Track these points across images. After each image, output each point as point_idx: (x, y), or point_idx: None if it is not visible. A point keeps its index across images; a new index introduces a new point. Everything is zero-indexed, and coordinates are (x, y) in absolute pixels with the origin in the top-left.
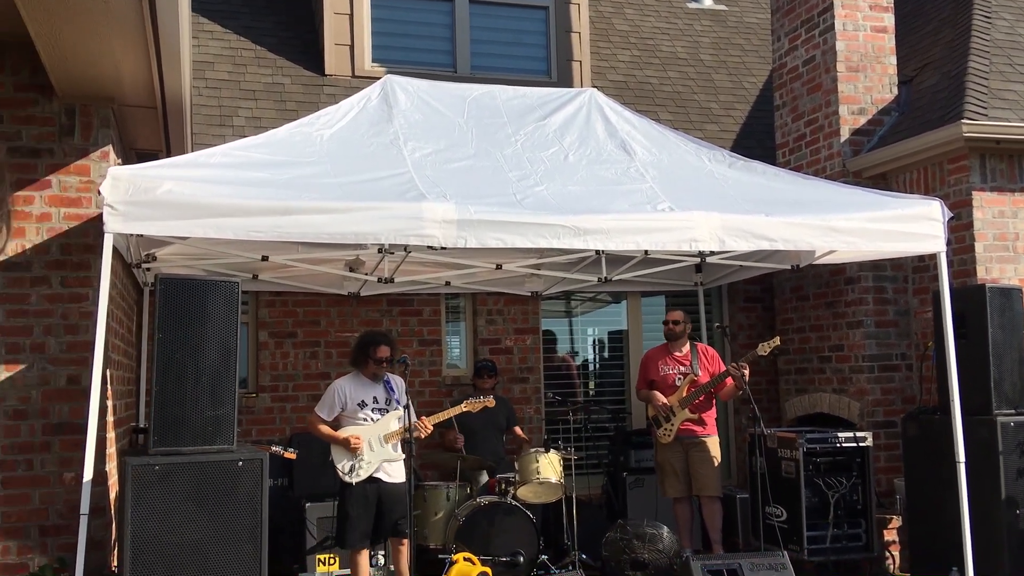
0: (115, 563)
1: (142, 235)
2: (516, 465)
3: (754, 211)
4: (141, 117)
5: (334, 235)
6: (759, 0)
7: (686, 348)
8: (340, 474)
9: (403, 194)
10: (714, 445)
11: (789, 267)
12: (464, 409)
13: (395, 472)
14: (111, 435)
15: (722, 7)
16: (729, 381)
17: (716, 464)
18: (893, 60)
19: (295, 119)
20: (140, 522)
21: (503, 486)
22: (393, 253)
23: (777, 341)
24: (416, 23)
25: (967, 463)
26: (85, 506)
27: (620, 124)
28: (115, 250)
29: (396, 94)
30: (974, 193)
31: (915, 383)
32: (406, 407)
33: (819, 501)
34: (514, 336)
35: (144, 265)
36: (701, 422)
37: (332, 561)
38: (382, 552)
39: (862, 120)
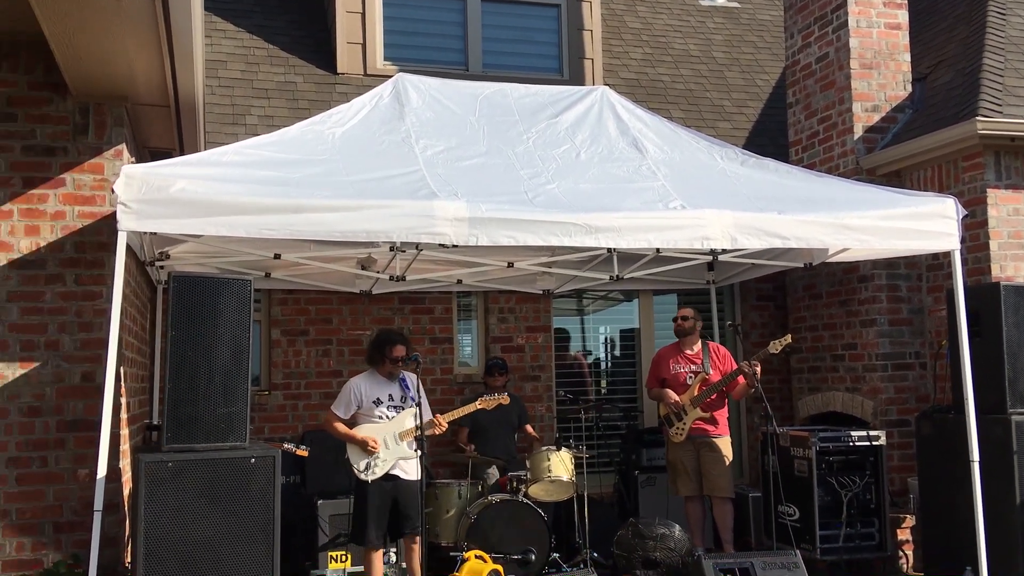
0: (128, 559)
1: (155, 233)
2: (527, 463)
3: (766, 209)
4: (154, 116)
5: (346, 233)
6: None
7: (697, 347)
8: (356, 472)
9: (415, 192)
10: (726, 445)
11: (802, 265)
12: (479, 406)
13: (411, 469)
14: (125, 432)
15: (735, 4)
16: (741, 379)
17: (727, 464)
18: (907, 57)
19: (307, 117)
20: (153, 518)
21: (514, 484)
22: (405, 251)
23: (789, 339)
24: (428, 21)
25: (981, 462)
26: (99, 502)
27: (632, 122)
28: (129, 248)
29: (408, 92)
30: (989, 191)
31: (929, 382)
32: (418, 404)
33: (832, 500)
34: (526, 334)
35: (157, 263)
36: (713, 421)
37: (344, 558)
38: (394, 550)
39: (876, 117)
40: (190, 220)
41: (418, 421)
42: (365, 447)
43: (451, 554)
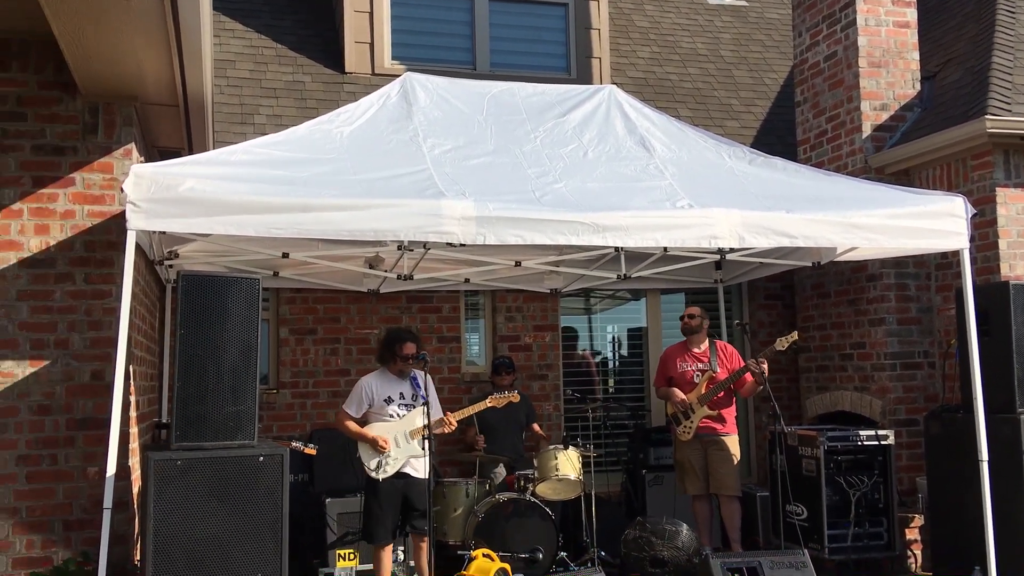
0: (137, 557)
1: (164, 232)
2: (535, 462)
3: (774, 208)
4: (163, 115)
5: (353, 232)
6: None
7: (705, 345)
8: (367, 471)
9: (422, 191)
10: (733, 443)
11: (810, 264)
12: (489, 404)
13: (421, 468)
14: (134, 430)
15: (743, 3)
16: (748, 377)
17: (735, 463)
18: (916, 55)
19: (315, 117)
20: (162, 516)
21: (522, 483)
22: (412, 250)
23: (795, 335)
24: (436, 20)
25: (990, 461)
26: (108, 500)
27: (639, 121)
28: (138, 247)
29: (415, 91)
30: (998, 189)
31: (938, 381)
32: (425, 403)
33: (840, 500)
34: (533, 333)
35: (166, 262)
36: (721, 419)
37: (352, 556)
38: (401, 548)
39: (884, 116)
40: (199, 219)
41: (424, 421)
42: (376, 446)
43: (459, 552)
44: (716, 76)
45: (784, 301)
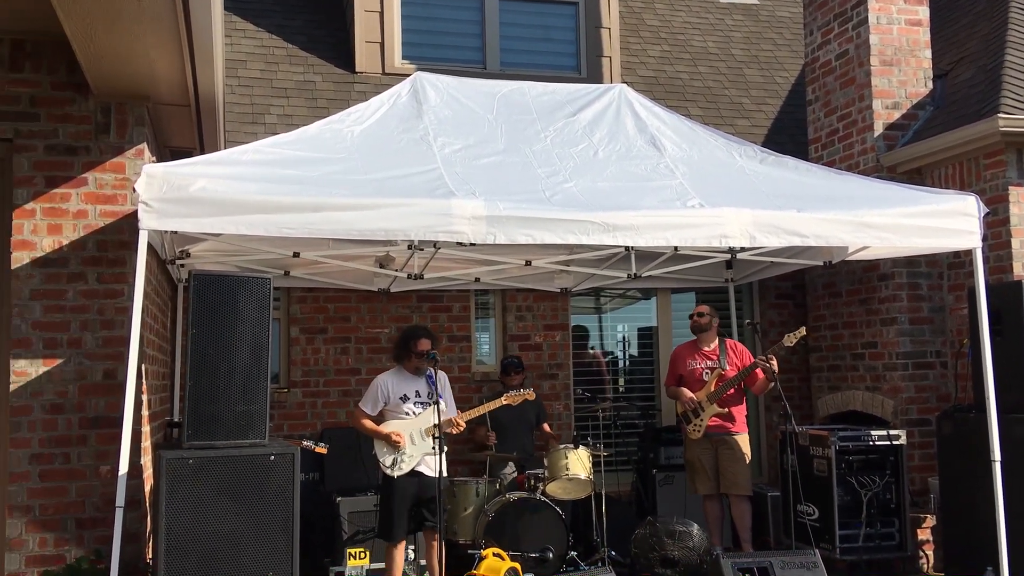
0: (150, 555)
1: (176, 232)
2: (545, 461)
3: (785, 207)
4: (175, 115)
5: (364, 231)
6: None
7: (714, 344)
8: (383, 468)
9: (432, 190)
10: (744, 443)
11: (821, 263)
12: (505, 402)
13: (435, 466)
14: (146, 429)
15: (754, 1)
16: (759, 374)
17: (746, 462)
18: (928, 54)
19: (326, 116)
20: (174, 515)
21: (532, 482)
22: (423, 249)
23: (803, 331)
24: (446, 20)
25: (1003, 461)
26: (121, 499)
27: (650, 120)
28: (150, 246)
29: (426, 91)
30: (1011, 188)
31: (950, 381)
32: (435, 403)
33: (852, 500)
34: (543, 332)
35: (178, 261)
36: (731, 418)
37: (363, 555)
38: (412, 547)
39: (896, 115)
40: (210, 219)
41: (437, 419)
42: (391, 443)
43: (469, 552)
44: (727, 75)
45: (795, 300)
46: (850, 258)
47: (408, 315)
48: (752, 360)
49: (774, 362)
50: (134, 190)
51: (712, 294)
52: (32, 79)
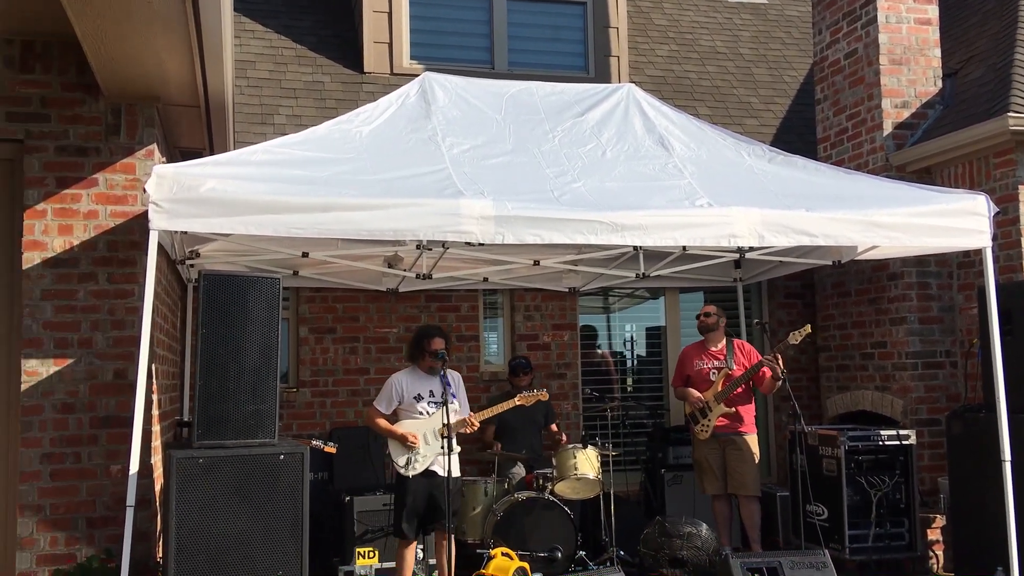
0: (160, 554)
1: (186, 232)
2: (554, 461)
3: (794, 206)
4: (185, 116)
5: (373, 231)
6: None
7: (722, 343)
8: (397, 468)
9: (441, 191)
10: (752, 442)
11: (830, 263)
12: (518, 403)
13: (447, 465)
14: (156, 428)
15: (762, 0)
16: (766, 372)
17: (754, 462)
18: (937, 52)
19: (335, 116)
20: (184, 514)
21: (541, 482)
22: (431, 249)
23: (807, 328)
24: (454, 20)
25: (1013, 461)
26: (131, 498)
27: (658, 119)
28: (160, 247)
29: (434, 91)
30: (1021, 187)
31: (960, 380)
32: (445, 403)
33: (861, 500)
34: (552, 332)
35: (188, 261)
36: (739, 418)
37: (372, 554)
38: (421, 547)
39: (905, 114)
40: (220, 219)
41: (446, 419)
42: (405, 442)
43: (478, 551)
44: (735, 74)
45: (804, 300)
46: (859, 257)
47: (417, 315)
48: (759, 359)
49: (780, 359)
50: (144, 191)
51: (721, 294)
52: (42, 80)
